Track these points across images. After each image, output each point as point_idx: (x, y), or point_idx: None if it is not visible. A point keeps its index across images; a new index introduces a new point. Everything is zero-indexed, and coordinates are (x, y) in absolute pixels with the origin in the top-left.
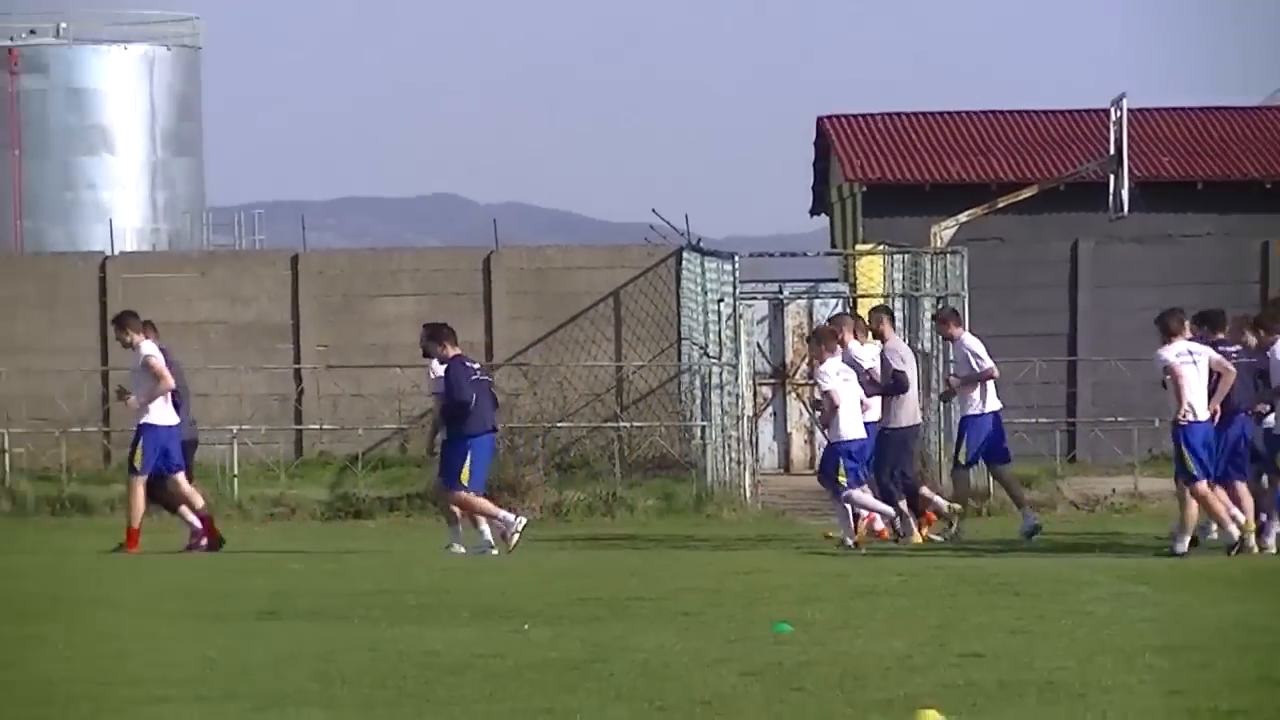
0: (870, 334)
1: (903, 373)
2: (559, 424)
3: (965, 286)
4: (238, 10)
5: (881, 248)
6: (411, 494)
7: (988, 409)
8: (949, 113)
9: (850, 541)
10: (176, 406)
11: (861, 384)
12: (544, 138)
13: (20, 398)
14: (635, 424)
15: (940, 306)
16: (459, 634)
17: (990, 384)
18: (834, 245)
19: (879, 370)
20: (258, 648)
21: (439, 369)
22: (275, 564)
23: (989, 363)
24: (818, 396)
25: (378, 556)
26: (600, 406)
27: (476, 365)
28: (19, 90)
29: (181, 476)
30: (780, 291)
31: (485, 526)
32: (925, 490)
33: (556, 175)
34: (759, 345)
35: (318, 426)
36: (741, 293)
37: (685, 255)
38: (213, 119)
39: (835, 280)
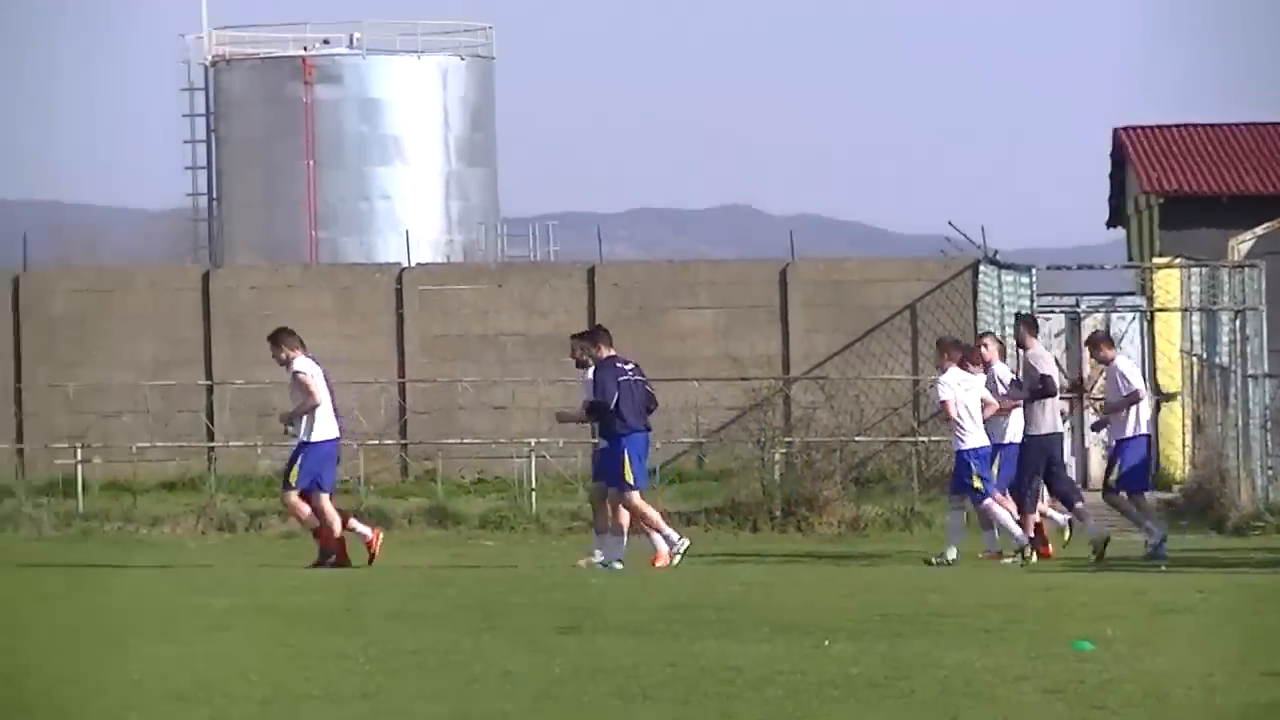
0: (1016, 343)
1: (1049, 377)
2: (856, 438)
3: (1263, 300)
4: (531, 20)
5: (1178, 261)
6: (709, 508)
7: (1140, 432)
8: (1245, 124)
9: (1015, 554)
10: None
11: (1007, 394)
12: (837, 149)
13: None
14: (933, 438)
15: (1094, 330)
16: (760, 649)
17: (1143, 407)
18: (1130, 258)
19: (1022, 379)
20: (558, 662)
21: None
22: (574, 578)
23: (1137, 385)
24: (936, 404)
25: (677, 570)
26: (897, 420)
27: (630, 365)
28: (313, 100)
29: (325, 498)
30: (1077, 305)
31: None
32: (1080, 506)
33: (851, 187)
34: (1055, 359)
35: None
36: (1038, 306)
37: (982, 268)
38: (506, 129)
39: (1132, 294)
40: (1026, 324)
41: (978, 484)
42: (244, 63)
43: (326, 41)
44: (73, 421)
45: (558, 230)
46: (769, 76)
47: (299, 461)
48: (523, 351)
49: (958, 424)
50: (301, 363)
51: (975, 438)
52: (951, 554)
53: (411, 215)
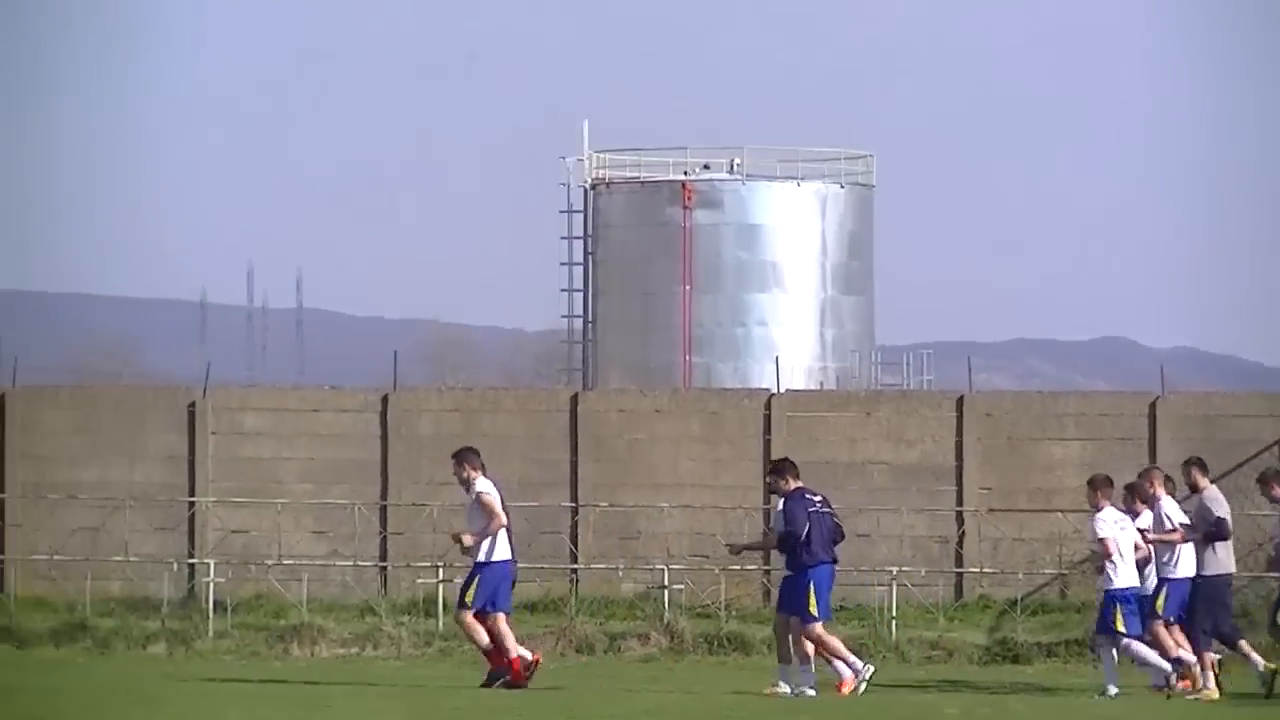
0: (1187, 486)
1: (1224, 519)
2: None
3: None
4: (910, 148)
5: None
6: (1070, 639)
7: None
8: None
9: (1111, 692)
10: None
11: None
12: (1216, 282)
13: (682, 534)
14: None
15: (1266, 469)
16: None
17: None
18: None
19: (1194, 519)
20: None
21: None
22: (930, 708)
23: None
24: (1092, 545)
25: (1036, 702)
26: (1261, 555)
27: (819, 498)
28: (692, 225)
29: (502, 618)
30: None
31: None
32: (1243, 644)
33: (1228, 320)
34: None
35: (978, 569)
36: None
37: None
38: (884, 257)
39: None
40: (1198, 466)
41: (1120, 626)
42: (623, 186)
43: (707, 166)
44: (436, 540)
45: (932, 359)
46: (1150, 211)
47: (475, 582)
48: (888, 480)
49: (1111, 564)
50: (483, 484)
51: (1124, 578)
52: (1113, 690)
53: (786, 341)
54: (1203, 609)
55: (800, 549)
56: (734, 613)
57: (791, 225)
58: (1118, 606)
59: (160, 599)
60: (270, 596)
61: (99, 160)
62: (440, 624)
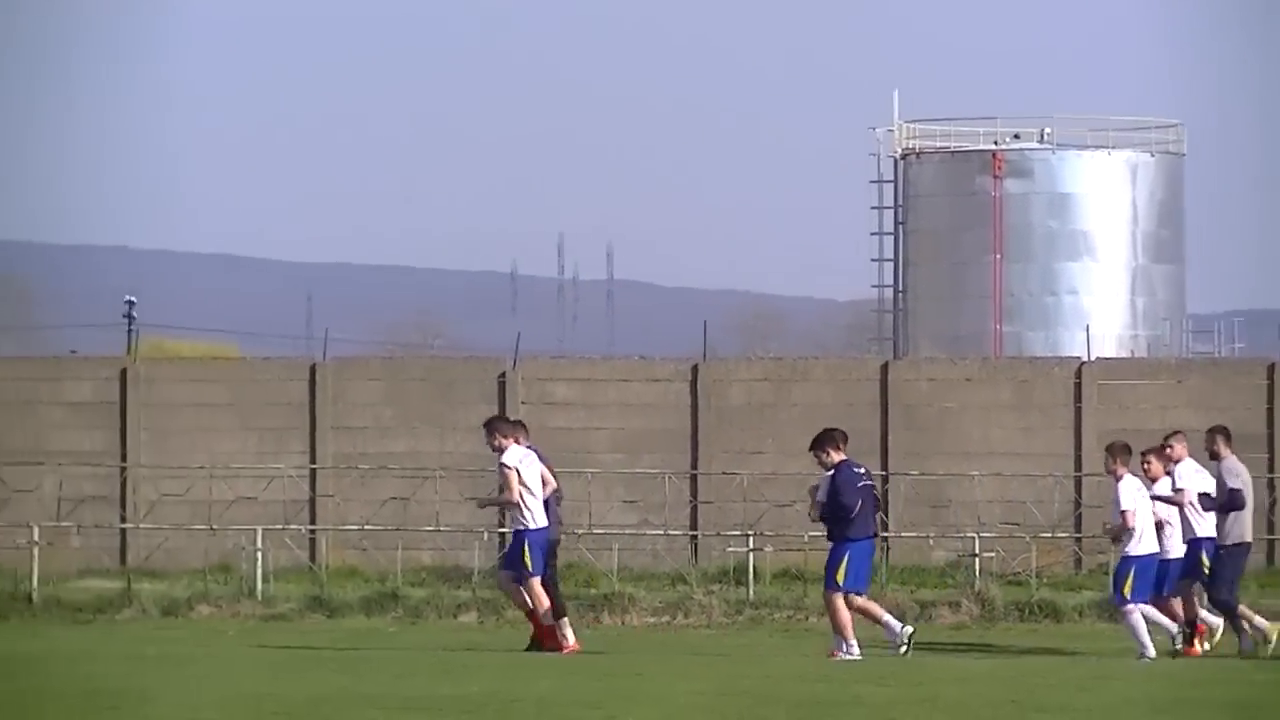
0: (1209, 454)
1: (1239, 490)
2: None
3: None
4: (1219, 116)
5: None
6: None
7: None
8: None
9: (1150, 655)
10: (546, 507)
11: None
12: None
13: (993, 502)
14: None
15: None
16: None
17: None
18: None
19: (1214, 488)
20: None
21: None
22: (1237, 674)
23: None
24: (1116, 512)
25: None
26: None
27: (863, 470)
28: (1002, 194)
29: (536, 581)
30: None
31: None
32: (1243, 608)
33: None
34: None
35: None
36: None
37: None
38: (1195, 226)
39: None
40: (1221, 434)
41: (1126, 591)
42: (933, 156)
43: (1017, 136)
44: (746, 509)
45: (1244, 327)
46: None
47: (527, 549)
48: (1199, 447)
49: (1129, 533)
50: (510, 455)
51: (1142, 545)
52: (1151, 652)
53: (1096, 310)
54: (1224, 580)
55: (845, 522)
56: (1045, 580)
57: (1102, 194)
58: (1131, 573)
59: (471, 568)
60: (581, 565)
61: (414, 137)
62: (750, 592)
